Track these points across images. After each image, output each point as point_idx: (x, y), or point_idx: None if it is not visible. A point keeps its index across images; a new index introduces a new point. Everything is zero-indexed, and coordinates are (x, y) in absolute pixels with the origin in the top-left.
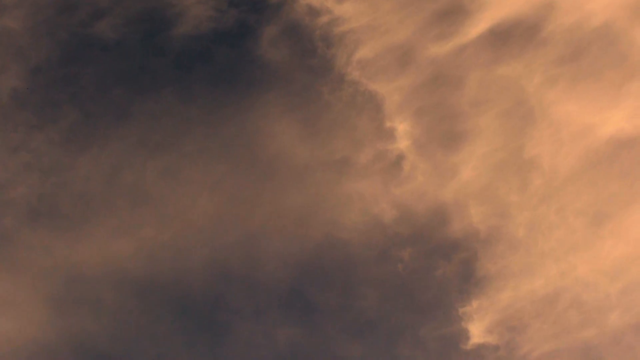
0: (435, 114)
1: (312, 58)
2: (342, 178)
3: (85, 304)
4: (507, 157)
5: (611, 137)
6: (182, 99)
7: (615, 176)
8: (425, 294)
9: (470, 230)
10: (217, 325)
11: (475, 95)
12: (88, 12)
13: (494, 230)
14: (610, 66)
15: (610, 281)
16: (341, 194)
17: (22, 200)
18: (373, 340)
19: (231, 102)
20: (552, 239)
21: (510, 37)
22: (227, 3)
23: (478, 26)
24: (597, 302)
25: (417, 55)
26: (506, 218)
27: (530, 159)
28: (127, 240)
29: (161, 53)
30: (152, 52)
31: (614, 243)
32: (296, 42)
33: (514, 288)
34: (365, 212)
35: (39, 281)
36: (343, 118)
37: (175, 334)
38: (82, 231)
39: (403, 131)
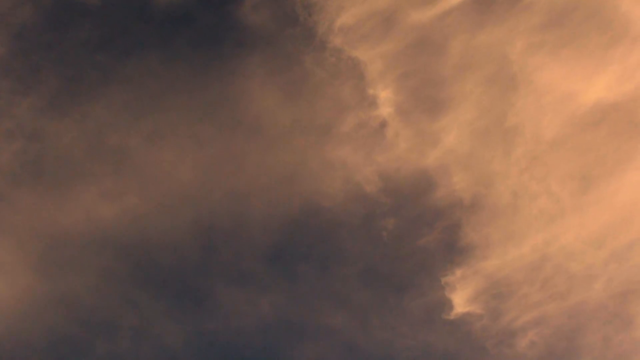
0: (418, 80)
1: (294, 27)
2: (324, 144)
3: (70, 266)
4: (490, 124)
5: (595, 104)
6: (165, 62)
7: (599, 143)
8: (409, 263)
9: (454, 198)
10: (200, 291)
11: (457, 62)
12: None
13: (477, 198)
14: (594, 32)
15: (595, 249)
16: (323, 160)
17: (6, 167)
18: (356, 308)
19: (214, 65)
20: (536, 207)
21: (494, 2)
22: None
23: None
24: (582, 270)
25: (399, 21)
26: (489, 186)
27: (514, 126)
28: (112, 204)
29: (144, 17)
30: (135, 16)
31: (599, 211)
32: (278, 7)
33: (497, 256)
34: (348, 179)
35: (24, 244)
36: (325, 85)
37: (158, 299)
38: (66, 195)
39: (385, 98)
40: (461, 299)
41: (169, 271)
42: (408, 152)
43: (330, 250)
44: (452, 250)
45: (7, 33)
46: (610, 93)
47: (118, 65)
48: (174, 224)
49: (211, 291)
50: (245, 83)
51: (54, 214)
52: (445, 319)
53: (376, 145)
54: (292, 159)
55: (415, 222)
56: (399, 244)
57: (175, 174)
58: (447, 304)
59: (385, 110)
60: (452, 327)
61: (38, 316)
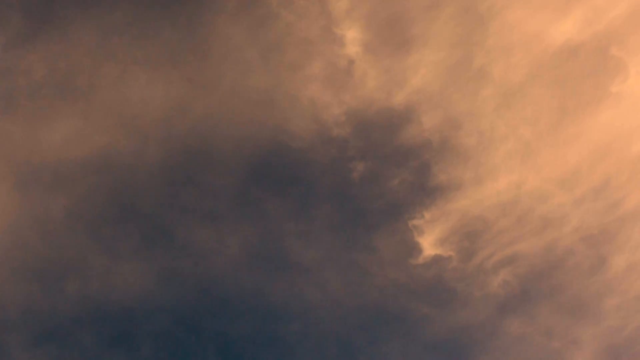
0: (385, 19)
1: None
2: (291, 83)
3: (43, 195)
4: (458, 63)
5: (563, 44)
6: (135, 5)
7: (567, 84)
8: (378, 204)
9: (423, 138)
10: (170, 230)
11: (425, 0)
12: None
13: (446, 139)
14: None
15: (566, 191)
16: (291, 98)
17: None
18: (326, 247)
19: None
20: (505, 149)
21: None
22: None
23: None
24: (553, 211)
25: None
26: (458, 127)
27: (482, 66)
28: (81, 144)
29: None
30: None
31: (568, 152)
32: None
33: (467, 198)
34: (316, 118)
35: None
36: (292, 25)
37: (126, 238)
38: (39, 132)
39: (352, 37)
40: (430, 242)
41: (138, 211)
42: (376, 91)
43: (300, 190)
44: (422, 192)
45: None
46: (579, 33)
47: (86, 3)
48: (143, 163)
49: (180, 230)
50: (213, 18)
51: (27, 148)
52: (415, 260)
53: (344, 84)
54: (259, 94)
55: (385, 163)
56: (368, 185)
57: (145, 114)
58: (416, 247)
59: (352, 49)
60: (423, 268)
61: (15, 234)
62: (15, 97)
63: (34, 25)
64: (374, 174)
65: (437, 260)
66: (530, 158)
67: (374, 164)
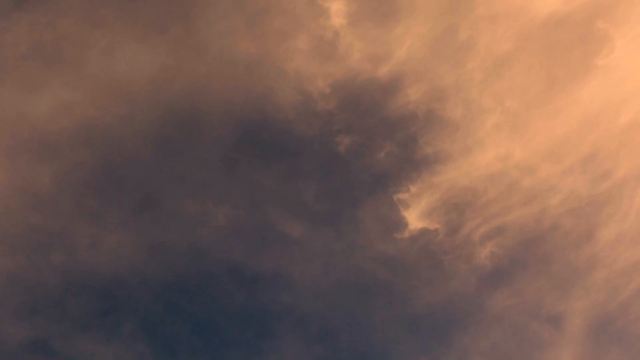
0: None
1: None
2: (277, 53)
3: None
4: (443, 35)
5: (548, 17)
6: None
7: (553, 56)
8: (364, 177)
9: (408, 111)
10: (157, 201)
11: None
12: None
13: (431, 112)
14: None
15: (553, 163)
16: (277, 70)
17: None
18: (313, 219)
19: None
20: (491, 121)
21: None
22: None
23: None
24: (539, 184)
25: None
26: (443, 99)
27: (467, 38)
28: (69, 116)
29: None
30: None
31: (554, 125)
32: None
33: (453, 171)
34: (302, 90)
35: None
36: None
37: (114, 209)
38: (24, 104)
39: (337, 9)
40: (416, 215)
41: (125, 181)
42: (361, 63)
43: (286, 162)
44: (408, 165)
45: None
46: (565, 4)
47: None
48: (131, 133)
49: (167, 202)
50: None
51: (14, 118)
52: (401, 234)
53: (329, 56)
54: (250, 53)
55: (370, 135)
56: (354, 157)
57: (132, 82)
58: (402, 221)
59: (337, 21)
60: (409, 242)
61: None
62: (2, 68)
63: None
64: (359, 146)
65: (423, 233)
66: (518, 130)
67: (359, 136)
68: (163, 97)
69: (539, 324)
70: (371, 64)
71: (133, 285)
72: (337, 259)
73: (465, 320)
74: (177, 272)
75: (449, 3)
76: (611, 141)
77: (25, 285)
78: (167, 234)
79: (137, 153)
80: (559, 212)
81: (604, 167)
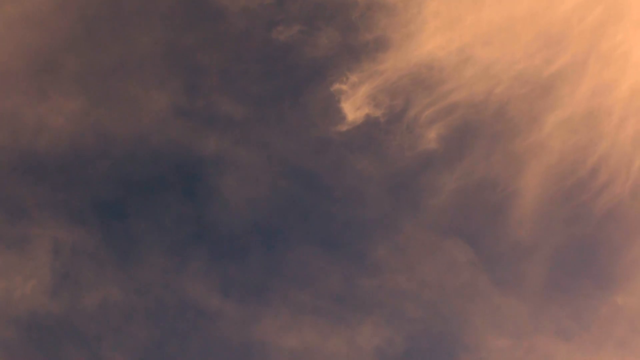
0: None
1: None
2: None
3: None
4: None
5: None
6: None
7: None
8: (304, 66)
9: None
10: (97, 80)
11: None
12: None
13: None
14: None
15: (497, 46)
16: None
17: None
18: (255, 102)
19: None
20: (433, 5)
21: None
22: None
23: None
24: (483, 68)
25: None
26: None
27: None
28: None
29: None
30: None
31: (496, 10)
32: None
33: (392, 59)
34: None
35: None
36: None
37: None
38: None
39: None
40: (357, 103)
41: (64, 67)
42: None
43: (227, 46)
44: (347, 53)
45: None
46: None
47: None
48: (64, 17)
49: (106, 81)
50: None
51: None
52: (342, 127)
53: None
54: None
55: (308, 22)
56: (293, 45)
57: None
58: (340, 114)
59: None
60: (351, 128)
61: None
62: None
63: None
64: (299, 34)
65: (365, 122)
66: (460, 15)
67: (296, 25)
68: None
69: (491, 201)
70: None
71: (78, 166)
72: (277, 139)
73: (412, 203)
74: (118, 155)
75: None
76: (556, 26)
77: None
78: (107, 117)
79: (75, 39)
80: (503, 98)
81: (549, 52)
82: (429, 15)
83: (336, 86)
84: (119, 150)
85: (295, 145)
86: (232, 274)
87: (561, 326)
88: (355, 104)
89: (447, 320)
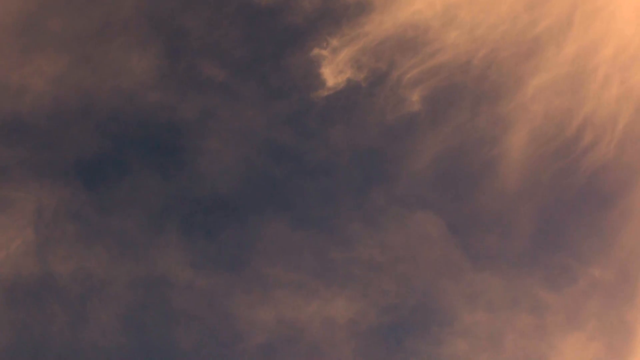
0: None
1: None
2: None
3: None
4: None
5: None
6: None
7: None
8: (286, 27)
9: None
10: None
11: None
12: None
13: None
14: None
15: (479, 11)
16: None
17: None
18: (236, 64)
19: None
20: None
21: None
22: None
23: None
24: (467, 32)
25: None
26: None
27: None
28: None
29: None
30: None
31: None
32: None
33: (373, 22)
34: None
35: None
36: None
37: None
38: None
39: None
40: (336, 69)
41: (51, 30)
42: None
43: (208, 10)
44: (329, 17)
45: None
46: None
47: None
48: None
49: (90, 47)
50: None
51: None
52: (323, 91)
53: None
54: None
55: None
56: (274, 11)
57: None
58: (319, 79)
59: None
60: (332, 92)
61: None
62: None
63: None
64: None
65: (347, 87)
66: None
67: None
68: None
69: (480, 161)
70: None
71: (61, 128)
72: (262, 104)
73: (395, 169)
74: (100, 117)
75: None
76: None
77: None
78: (89, 79)
79: (57, 1)
80: (488, 59)
81: (531, 16)
82: None
83: (316, 51)
84: (101, 112)
85: (271, 114)
86: (202, 248)
87: (536, 300)
88: (337, 69)
89: (422, 294)
